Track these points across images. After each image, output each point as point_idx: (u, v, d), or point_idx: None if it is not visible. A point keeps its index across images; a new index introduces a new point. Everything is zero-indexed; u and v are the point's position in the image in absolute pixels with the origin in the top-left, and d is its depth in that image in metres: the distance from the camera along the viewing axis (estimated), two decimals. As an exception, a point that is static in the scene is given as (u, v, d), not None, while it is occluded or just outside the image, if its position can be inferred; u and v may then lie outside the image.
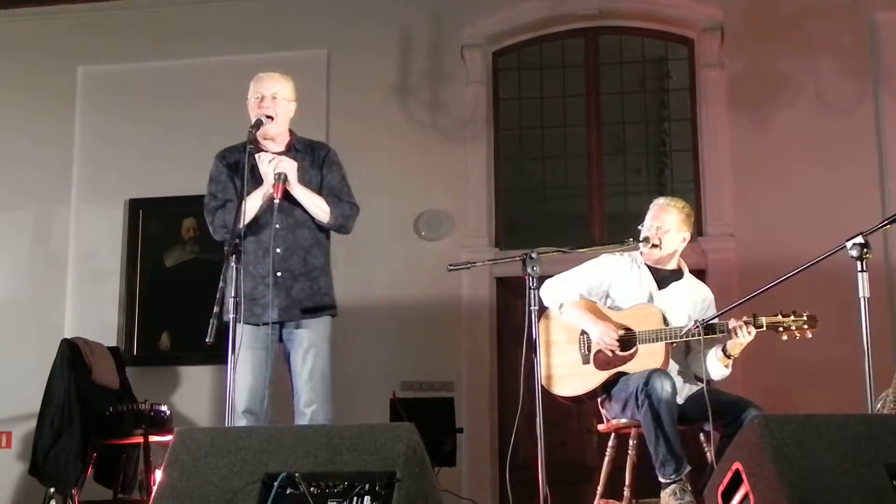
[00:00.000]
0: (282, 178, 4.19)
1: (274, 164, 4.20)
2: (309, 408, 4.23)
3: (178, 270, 7.44)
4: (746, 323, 4.30)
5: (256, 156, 4.27)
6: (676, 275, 4.68)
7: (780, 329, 4.30)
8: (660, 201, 4.72)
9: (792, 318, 4.29)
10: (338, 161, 4.48)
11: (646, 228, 4.63)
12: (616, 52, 7.49)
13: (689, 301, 4.62)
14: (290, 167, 4.23)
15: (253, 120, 4.30)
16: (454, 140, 7.30)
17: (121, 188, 7.57)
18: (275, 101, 4.34)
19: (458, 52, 7.38)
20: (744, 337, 4.32)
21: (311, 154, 4.44)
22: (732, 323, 4.33)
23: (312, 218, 4.33)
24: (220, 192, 4.41)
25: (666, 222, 4.61)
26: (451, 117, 7.37)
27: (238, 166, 4.33)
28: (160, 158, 7.52)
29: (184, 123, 7.51)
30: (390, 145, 7.25)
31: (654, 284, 4.61)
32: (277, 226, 4.25)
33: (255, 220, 4.24)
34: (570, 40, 7.54)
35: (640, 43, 7.48)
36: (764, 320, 4.30)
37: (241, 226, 4.07)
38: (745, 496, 3.03)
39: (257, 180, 4.27)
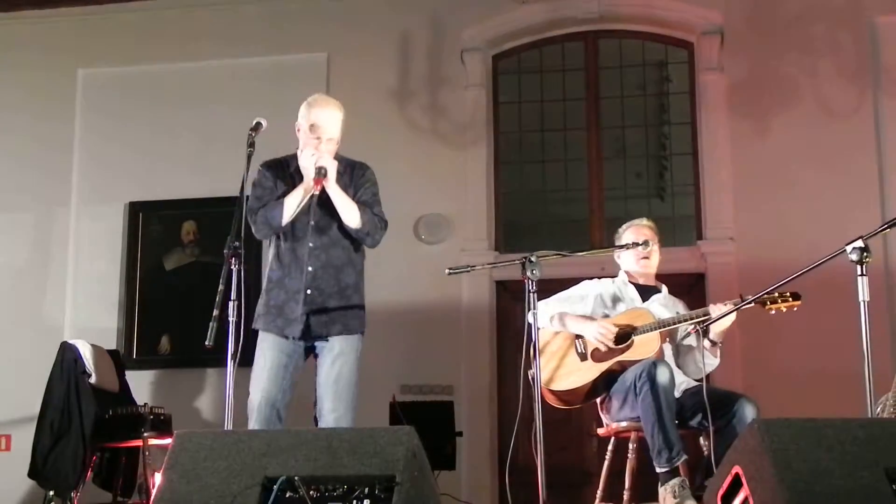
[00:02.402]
0: (322, 173, 4.23)
1: (315, 159, 4.24)
2: (333, 414, 4.23)
3: (177, 273, 7.43)
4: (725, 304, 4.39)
5: (299, 151, 4.33)
6: (656, 289, 4.84)
7: (767, 304, 4.37)
8: (640, 221, 4.88)
9: (777, 294, 4.35)
10: (373, 180, 4.51)
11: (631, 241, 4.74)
12: (616, 55, 7.49)
13: (670, 312, 4.72)
14: (330, 163, 4.27)
15: (301, 144, 4.35)
16: (454, 144, 7.30)
17: (121, 191, 7.57)
18: (330, 141, 4.36)
19: (458, 55, 7.38)
20: (725, 321, 4.40)
21: (350, 173, 4.47)
22: (712, 308, 4.42)
23: (343, 234, 4.36)
24: (265, 196, 4.40)
25: (653, 239, 4.77)
26: (451, 121, 7.37)
27: (282, 171, 4.40)
28: (160, 161, 7.52)
29: (184, 126, 7.52)
30: (390, 149, 7.24)
31: (639, 298, 4.74)
32: (311, 244, 4.31)
33: (293, 234, 4.32)
34: (570, 44, 7.54)
35: (640, 47, 7.48)
36: (750, 297, 4.35)
37: (287, 218, 4.22)
38: (745, 500, 3.03)
39: (273, 186, 4.36)
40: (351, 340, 4.35)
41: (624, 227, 4.90)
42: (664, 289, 4.85)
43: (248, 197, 4.32)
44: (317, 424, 4.30)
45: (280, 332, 4.30)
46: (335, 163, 4.31)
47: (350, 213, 4.31)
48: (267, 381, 4.24)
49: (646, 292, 4.76)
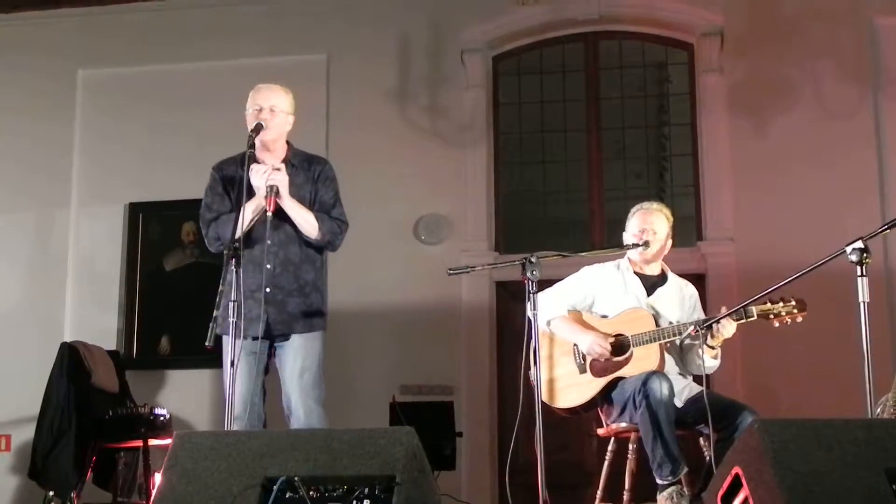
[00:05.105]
0: (273, 191, 4.22)
1: (266, 177, 4.23)
2: (302, 408, 4.23)
3: (177, 274, 7.44)
4: (728, 318, 4.33)
5: (250, 168, 4.28)
6: (662, 279, 4.73)
7: (771, 316, 4.34)
8: (649, 205, 4.75)
9: (781, 304, 4.35)
10: (332, 176, 4.50)
11: (634, 233, 4.65)
12: (616, 56, 7.49)
13: (678, 303, 4.67)
14: (281, 180, 4.26)
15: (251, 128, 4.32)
16: (454, 144, 7.30)
17: (121, 192, 7.57)
18: (272, 113, 4.35)
19: (458, 56, 7.38)
20: (727, 331, 4.36)
21: (307, 169, 4.46)
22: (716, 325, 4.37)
23: (299, 230, 4.35)
24: (214, 204, 4.44)
25: (656, 227, 4.66)
26: (451, 121, 7.37)
27: (233, 179, 4.36)
28: (160, 162, 7.52)
29: (184, 127, 7.51)
30: (390, 150, 7.25)
31: (643, 291, 4.65)
32: (269, 242, 4.28)
33: (248, 234, 4.26)
34: (570, 45, 7.54)
35: (641, 48, 7.48)
36: (754, 310, 4.34)
37: (240, 233, 4.12)
38: (745, 500, 3.03)
39: (251, 192, 4.29)
40: (312, 338, 4.35)
41: (633, 210, 4.74)
42: (669, 277, 4.72)
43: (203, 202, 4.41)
44: (288, 424, 4.30)
45: (244, 334, 4.20)
46: (286, 177, 4.27)
47: (308, 226, 4.31)
48: (241, 385, 4.20)
49: (652, 286, 4.65)
